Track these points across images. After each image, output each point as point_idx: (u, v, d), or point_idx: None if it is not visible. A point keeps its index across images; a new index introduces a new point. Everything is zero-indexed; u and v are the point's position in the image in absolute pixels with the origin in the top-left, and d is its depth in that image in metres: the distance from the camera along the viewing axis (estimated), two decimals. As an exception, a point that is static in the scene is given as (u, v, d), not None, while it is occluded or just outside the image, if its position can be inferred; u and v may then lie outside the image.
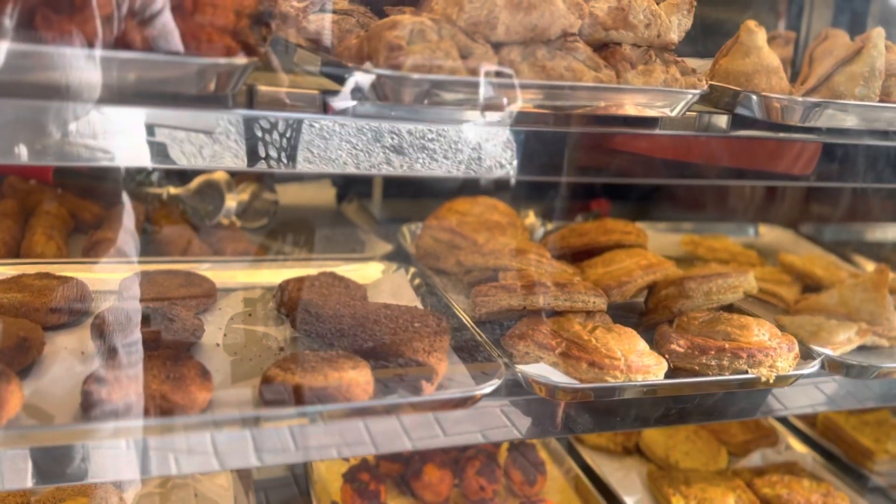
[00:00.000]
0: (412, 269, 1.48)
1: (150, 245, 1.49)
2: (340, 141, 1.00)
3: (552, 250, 1.49)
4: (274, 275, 1.40)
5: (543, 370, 1.11)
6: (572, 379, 1.10)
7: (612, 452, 1.75)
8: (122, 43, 0.80)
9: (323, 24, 1.06)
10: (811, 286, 1.68)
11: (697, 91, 1.05)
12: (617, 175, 1.11)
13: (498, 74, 0.95)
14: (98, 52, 0.77)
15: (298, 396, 0.94)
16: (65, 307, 1.14)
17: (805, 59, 1.48)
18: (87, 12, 0.78)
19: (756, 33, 1.24)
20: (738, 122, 1.20)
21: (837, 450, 1.82)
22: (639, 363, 1.11)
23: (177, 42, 0.82)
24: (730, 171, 1.22)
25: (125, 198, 1.54)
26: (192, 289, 1.25)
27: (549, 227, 1.91)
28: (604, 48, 1.06)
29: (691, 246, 1.87)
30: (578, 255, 1.50)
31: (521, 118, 1.01)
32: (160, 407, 0.92)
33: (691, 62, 1.56)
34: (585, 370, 1.09)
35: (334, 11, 1.08)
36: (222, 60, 0.82)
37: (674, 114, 1.07)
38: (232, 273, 1.40)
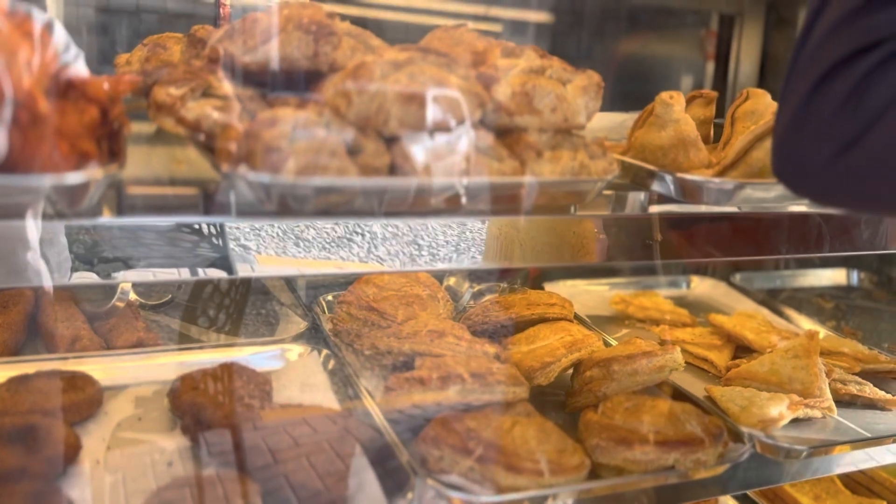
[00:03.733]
0: (325, 352, 1.39)
1: (35, 338, 1.36)
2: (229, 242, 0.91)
3: (475, 325, 1.42)
4: (171, 367, 1.29)
5: (458, 479, 1.03)
6: (490, 486, 1.02)
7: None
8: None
9: (203, 112, 0.97)
10: (743, 346, 1.64)
11: (606, 179, 1.00)
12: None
13: (391, 172, 0.88)
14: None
15: (175, 540, 0.84)
16: (-81, 428, 1.02)
17: (727, 119, 1.45)
18: None
19: (671, 106, 1.19)
20: (658, 197, 1.15)
21: (777, 510, 1.78)
22: (560, 464, 1.04)
23: (18, 154, 0.72)
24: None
25: (7, 284, 1.41)
26: (74, 394, 1.13)
27: (476, 288, 1.84)
28: (508, 134, 1.00)
29: (622, 305, 1.82)
30: (504, 329, 1.43)
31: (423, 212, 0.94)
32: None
33: (616, 116, 1.52)
34: (503, 476, 1.02)
35: (216, 96, 0.99)
36: (73, 178, 0.72)
37: (583, 201, 1.01)
38: (123, 367, 1.29)
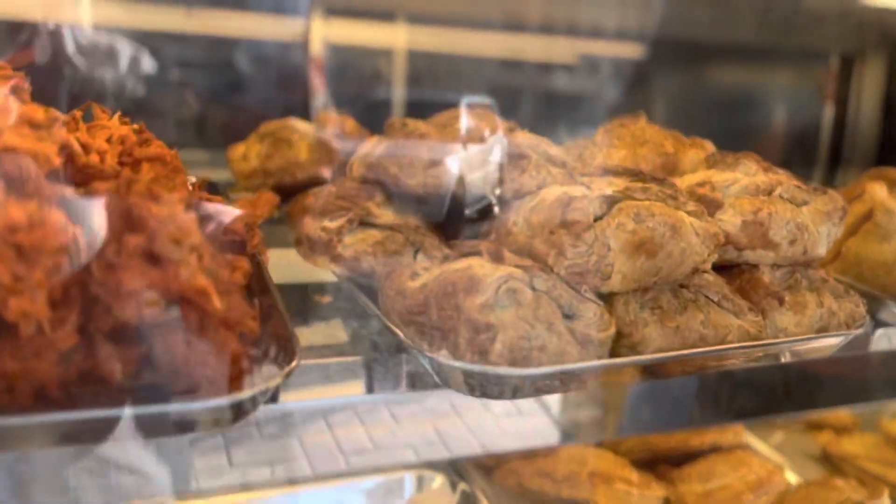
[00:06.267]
0: (461, 486, 1.20)
1: None
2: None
3: (629, 453, 1.22)
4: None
5: None
6: None
7: None
8: (89, 376, 0.54)
9: (364, 248, 0.80)
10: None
11: (860, 330, 0.80)
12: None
13: (618, 349, 0.69)
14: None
15: None
16: None
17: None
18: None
19: (897, 214, 0.99)
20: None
21: None
22: None
23: (177, 360, 0.56)
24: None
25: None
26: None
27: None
28: (735, 271, 0.81)
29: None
30: (663, 458, 1.23)
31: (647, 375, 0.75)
32: None
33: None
34: None
35: (376, 226, 0.82)
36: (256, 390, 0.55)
37: (828, 353, 0.81)
38: None
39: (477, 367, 0.62)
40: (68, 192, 0.53)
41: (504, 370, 0.62)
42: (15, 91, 0.63)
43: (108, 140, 0.68)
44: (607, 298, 0.71)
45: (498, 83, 1.87)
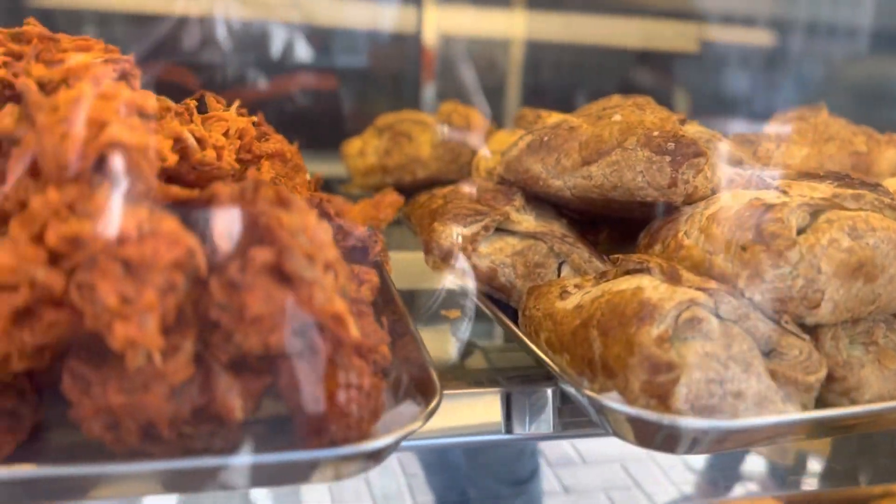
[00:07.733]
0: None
1: None
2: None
3: (789, 499, 1.07)
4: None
5: None
6: None
7: None
8: (204, 414, 0.45)
9: (501, 259, 0.69)
10: None
11: None
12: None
13: (826, 394, 0.56)
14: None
15: None
16: None
17: None
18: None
19: None
20: None
21: None
22: None
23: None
24: None
25: None
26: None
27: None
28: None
29: None
30: None
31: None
32: None
33: None
34: None
35: (516, 234, 0.71)
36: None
37: None
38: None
39: (656, 417, 0.50)
40: (184, 195, 0.45)
41: (694, 423, 0.50)
42: (123, 76, 0.55)
43: (226, 134, 0.61)
44: (812, 331, 0.58)
45: (623, 74, 1.72)
